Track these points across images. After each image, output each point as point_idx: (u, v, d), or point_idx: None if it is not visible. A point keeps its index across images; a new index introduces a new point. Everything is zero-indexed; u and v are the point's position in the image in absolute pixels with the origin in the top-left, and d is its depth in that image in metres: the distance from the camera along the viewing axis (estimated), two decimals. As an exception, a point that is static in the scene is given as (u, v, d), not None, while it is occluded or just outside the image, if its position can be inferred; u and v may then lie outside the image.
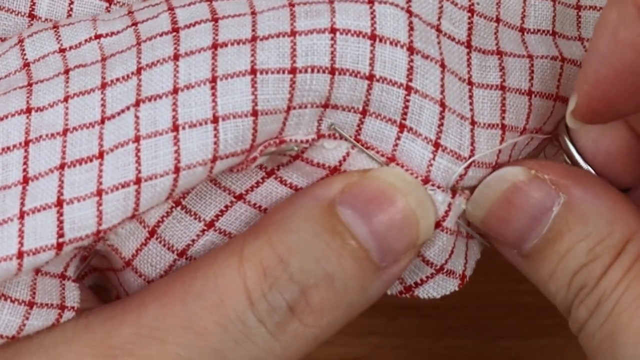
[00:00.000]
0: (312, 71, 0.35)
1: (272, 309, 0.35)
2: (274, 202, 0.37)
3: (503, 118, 0.37)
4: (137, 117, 0.34)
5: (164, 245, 0.37)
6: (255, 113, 0.34)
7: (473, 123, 0.37)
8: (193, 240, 0.37)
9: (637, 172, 0.38)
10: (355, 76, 0.35)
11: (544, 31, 0.39)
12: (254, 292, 0.35)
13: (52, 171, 0.34)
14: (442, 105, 0.36)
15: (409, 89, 0.36)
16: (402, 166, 0.36)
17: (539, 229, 0.36)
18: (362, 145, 0.36)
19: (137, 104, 0.34)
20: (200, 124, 0.34)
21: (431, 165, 0.36)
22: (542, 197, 0.36)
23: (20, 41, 0.37)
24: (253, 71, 0.34)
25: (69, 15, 0.39)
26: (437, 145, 0.36)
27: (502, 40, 0.38)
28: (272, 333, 0.35)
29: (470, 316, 0.49)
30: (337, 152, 0.36)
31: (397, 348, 0.49)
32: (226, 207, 0.37)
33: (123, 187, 0.33)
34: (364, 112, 0.36)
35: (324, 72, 0.35)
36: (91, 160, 0.34)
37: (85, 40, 0.37)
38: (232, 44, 0.35)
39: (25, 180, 0.34)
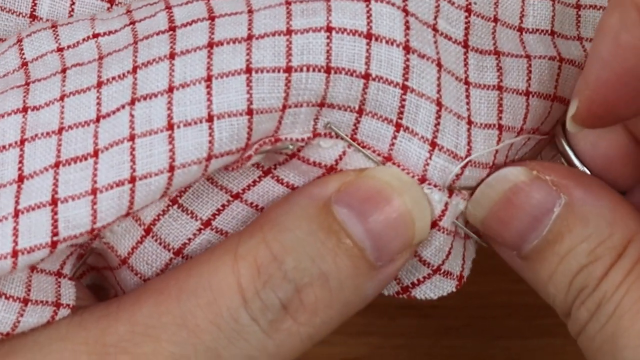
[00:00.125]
0: (308, 70, 0.35)
1: (266, 307, 0.35)
2: (270, 201, 0.37)
3: (500, 118, 0.37)
4: (132, 115, 0.34)
5: (160, 244, 0.37)
6: (250, 112, 0.34)
7: (470, 123, 0.37)
8: (189, 239, 0.37)
9: (634, 175, 0.38)
10: (351, 75, 0.35)
11: (542, 31, 0.39)
12: (247, 290, 0.35)
13: (47, 170, 0.34)
14: (439, 104, 0.36)
15: (405, 88, 0.35)
16: (399, 165, 0.36)
17: (540, 230, 0.36)
18: (359, 144, 0.36)
19: (132, 102, 0.34)
20: (195, 123, 0.34)
21: (427, 164, 0.36)
22: (543, 198, 0.36)
23: (19, 40, 0.37)
24: (248, 70, 0.34)
25: (70, 16, 0.39)
26: (433, 144, 0.36)
27: (500, 40, 0.38)
28: (265, 331, 0.35)
29: (470, 316, 0.49)
30: (334, 151, 0.36)
31: (397, 348, 0.49)
32: (223, 206, 0.37)
33: (118, 185, 0.33)
34: (360, 111, 0.36)
35: (319, 71, 0.35)
36: (86, 159, 0.34)
37: (83, 40, 0.37)
38: (228, 43, 0.35)
39: (20, 179, 0.34)
